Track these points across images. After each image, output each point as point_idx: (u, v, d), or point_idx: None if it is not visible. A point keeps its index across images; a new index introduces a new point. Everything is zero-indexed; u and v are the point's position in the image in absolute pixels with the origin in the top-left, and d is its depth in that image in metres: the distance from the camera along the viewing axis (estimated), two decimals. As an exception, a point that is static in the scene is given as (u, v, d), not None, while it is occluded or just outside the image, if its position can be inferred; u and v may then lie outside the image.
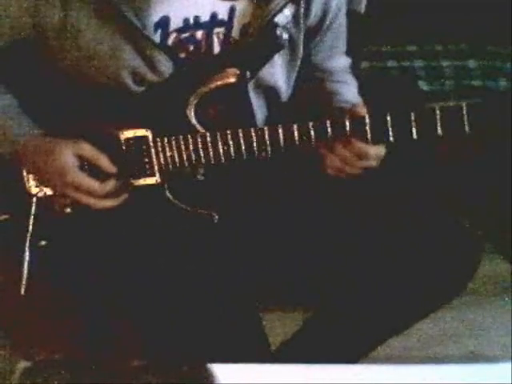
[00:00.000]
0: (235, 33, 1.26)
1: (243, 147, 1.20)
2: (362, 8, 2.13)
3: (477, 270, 1.29)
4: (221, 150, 1.21)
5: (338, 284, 1.33)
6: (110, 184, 1.22)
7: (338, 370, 1.00)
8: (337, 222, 1.31)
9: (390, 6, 2.18)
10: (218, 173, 1.28)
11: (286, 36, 1.24)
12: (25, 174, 1.28)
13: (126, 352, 1.26)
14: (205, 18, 1.24)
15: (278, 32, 1.23)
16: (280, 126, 1.19)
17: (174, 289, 1.21)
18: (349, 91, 1.42)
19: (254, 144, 1.20)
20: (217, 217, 1.26)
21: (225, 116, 1.27)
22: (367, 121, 1.15)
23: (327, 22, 1.34)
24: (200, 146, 1.22)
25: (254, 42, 1.24)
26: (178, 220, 1.25)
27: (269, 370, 0.99)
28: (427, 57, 2.36)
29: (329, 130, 1.17)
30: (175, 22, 1.23)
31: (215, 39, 1.27)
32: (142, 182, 1.25)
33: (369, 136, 1.15)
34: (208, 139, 1.21)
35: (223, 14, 1.25)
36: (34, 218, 1.27)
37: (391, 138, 1.15)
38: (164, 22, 1.22)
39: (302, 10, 1.28)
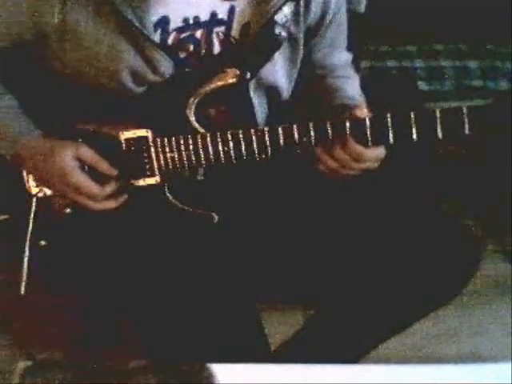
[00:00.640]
0: (235, 32, 1.26)
1: (243, 148, 1.20)
2: (362, 8, 2.13)
3: (477, 270, 1.29)
4: (221, 151, 1.21)
5: (338, 284, 1.33)
6: (110, 186, 1.22)
7: (338, 370, 1.00)
8: (337, 221, 1.31)
9: (389, 6, 2.18)
10: (218, 173, 1.28)
11: (284, 34, 1.24)
12: (25, 174, 1.28)
13: (126, 352, 1.26)
14: (204, 17, 1.24)
15: (277, 30, 1.23)
16: (280, 126, 1.19)
17: (173, 289, 1.21)
18: (351, 86, 1.41)
19: (254, 145, 1.20)
20: (216, 217, 1.26)
21: (225, 116, 1.27)
22: (367, 122, 1.15)
23: (327, 20, 1.34)
24: (200, 146, 1.21)
25: (254, 41, 1.24)
26: (177, 220, 1.25)
27: (269, 370, 0.99)
28: (427, 57, 2.36)
29: (329, 130, 1.17)
30: (175, 22, 1.23)
31: (215, 38, 1.27)
32: (142, 182, 1.24)
33: (369, 137, 1.15)
34: (208, 140, 1.21)
35: (223, 14, 1.25)
36: (34, 218, 1.27)
37: (391, 140, 1.15)
38: (164, 22, 1.22)
39: (302, 8, 1.28)
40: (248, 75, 1.23)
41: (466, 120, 1.11)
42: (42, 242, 1.26)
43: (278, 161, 1.22)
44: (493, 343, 1.80)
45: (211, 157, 1.22)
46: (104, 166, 1.22)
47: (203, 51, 1.27)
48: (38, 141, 1.23)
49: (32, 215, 1.27)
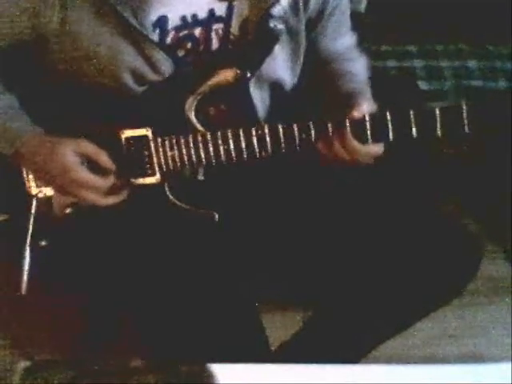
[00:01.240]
0: (234, 29, 1.26)
1: (244, 146, 1.20)
2: (363, 7, 2.13)
3: (477, 270, 1.29)
4: (221, 150, 1.21)
5: (338, 284, 1.33)
6: (112, 180, 1.22)
7: (338, 370, 1.00)
8: (337, 221, 1.31)
9: (389, 6, 2.18)
10: (219, 172, 1.28)
11: (280, 27, 1.23)
12: (25, 174, 1.28)
13: (126, 352, 1.26)
14: (202, 15, 1.24)
15: (272, 24, 1.22)
16: (280, 125, 1.19)
17: (173, 288, 1.21)
18: (357, 69, 1.40)
19: (255, 143, 1.20)
20: (217, 216, 1.26)
21: (225, 114, 1.27)
22: (367, 120, 1.15)
23: (328, 10, 1.33)
24: (200, 145, 1.22)
25: (253, 37, 1.24)
26: (178, 219, 1.25)
27: (269, 370, 0.99)
28: (427, 57, 2.36)
29: (329, 128, 1.17)
30: (173, 21, 1.23)
31: (214, 36, 1.27)
32: (143, 181, 1.24)
33: (369, 135, 1.16)
34: (208, 138, 1.21)
35: (221, 11, 1.25)
36: (34, 219, 1.27)
37: (391, 138, 1.15)
38: (162, 21, 1.22)
39: (301, 0, 1.27)
40: (248, 74, 1.23)
41: (466, 118, 1.11)
42: (43, 243, 1.26)
43: (278, 160, 1.22)
44: (493, 343, 1.80)
45: (211, 155, 1.22)
46: (105, 158, 1.22)
47: (201, 48, 1.27)
48: (38, 139, 1.23)
49: (32, 215, 1.27)
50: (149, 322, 1.25)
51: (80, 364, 0.95)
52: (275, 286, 1.44)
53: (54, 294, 1.30)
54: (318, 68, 1.39)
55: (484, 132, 1.11)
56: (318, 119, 1.18)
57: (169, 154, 1.23)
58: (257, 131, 1.20)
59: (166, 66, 1.23)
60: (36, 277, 1.25)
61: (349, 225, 1.31)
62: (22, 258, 1.24)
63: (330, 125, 1.17)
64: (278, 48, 1.27)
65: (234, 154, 1.21)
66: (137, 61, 1.21)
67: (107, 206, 1.22)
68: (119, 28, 1.18)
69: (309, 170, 1.32)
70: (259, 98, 1.31)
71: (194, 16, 1.24)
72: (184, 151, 1.22)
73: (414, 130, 1.14)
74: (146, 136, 1.23)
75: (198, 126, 1.23)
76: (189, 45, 1.27)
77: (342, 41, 1.43)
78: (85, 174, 1.20)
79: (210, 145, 1.21)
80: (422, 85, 2.31)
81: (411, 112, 1.13)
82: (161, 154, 1.23)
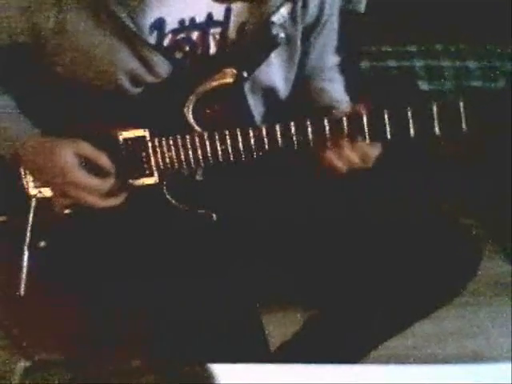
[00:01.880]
0: (231, 33, 1.26)
1: (241, 146, 1.20)
2: (362, 8, 2.13)
3: (477, 270, 1.29)
4: (219, 150, 1.21)
5: (338, 284, 1.33)
6: (111, 181, 1.22)
7: (338, 370, 1.00)
8: (337, 221, 1.31)
9: (389, 6, 2.18)
10: (217, 173, 1.28)
11: (282, 35, 1.24)
12: (23, 175, 1.28)
13: (126, 352, 1.25)
14: (200, 18, 1.24)
15: (275, 31, 1.23)
16: (278, 124, 1.19)
17: (173, 289, 1.21)
18: (336, 89, 1.42)
19: (252, 143, 1.20)
20: (215, 217, 1.26)
21: (222, 116, 1.27)
22: (364, 118, 1.15)
23: (322, 21, 1.34)
24: (198, 145, 1.22)
25: (251, 41, 1.24)
26: (176, 220, 1.25)
27: (269, 370, 0.99)
28: (427, 57, 2.36)
29: (326, 127, 1.17)
30: (171, 24, 1.23)
31: (211, 40, 1.27)
32: (141, 182, 1.25)
33: (366, 133, 1.15)
34: (206, 139, 1.21)
35: (219, 15, 1.25)
36: (33, 219, 1.27)
37: (388, 136, 1.15)
38: (159, 24, 1.22)
39: (299, 8, 1.28)
40: (245, 74, 1.23)
41: (463, 116, 1.10)
42: (41, 243, 1.26)
43: (277, 160, 1.22)
44: (493, 343, 1.81)
45: (209, 156, 1.22)
46: (104, 159, 1.22)
47: (199, 51, 1.27)
48: (37, 140, 1.23)
49: (31, 216, 1.27)
50: (149, 322, 1.25)
51: (80, 364, 0.95)
52: (275, 286, 1.44)
53: (53, 295, 1.30)
54: (300, 80, 1.40)
55: (483, 131, 1.11)
56: (314, 118, 1.18)
57: (166, 154, 1.23)
58: (254, 131, 1.20)
59: (163, 68, 1.23)
60: (35, 277, 1.25)
61: (348, 225, 1.31)
62: (21, 258, 1.24)
63: (326, 123, 1.17)
64: (274, 55, 1.28)
65: (231, 154, 1.21)
66: (133, 62, 1.21)
67: (106, 208, 1.22)
68: (116, 30, 1.18)
69: (308, 170, 1.32)
70: (253, 103, 1.31)
71: (192, 19, 1.24)
72: (182, 152, 1.22)
73: (411, 128, 1.13)
74: (143, 137, 1.23)
75: (196, 127, 1.23)
76: (186, 48, 1.27)
77: (327, 58, 1.44)
78: (83, 176, 1.20)
79: (208, 145, 1.21)
80: (422, 85, 2.31)
81: (408, 110, 1.13)
82: (158, 154, 1.23)
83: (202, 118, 1.24)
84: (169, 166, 1.23)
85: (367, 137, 1.16)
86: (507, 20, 2.06)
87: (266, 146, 1.20)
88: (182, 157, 1.23)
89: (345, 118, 1.16)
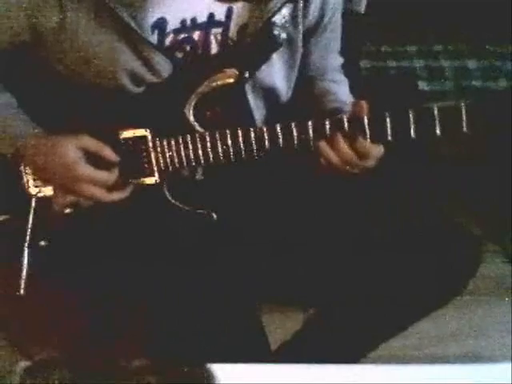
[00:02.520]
0: (233, 33, 1.27)
1: (242, 147, 1.20)
2: (362, 8, 2.13)
3: (477, 270, 1.29)
4: (220, 150, 1.21)
5: (338, 284, 1.33)
6: (115, 174, 1.22)
7: (337, 370, 1.00)
8: (336, 221, 1.31)
9: (389, 6, 2.18)
10: (217, 172, 1.28)
11: (284, 35, 1.24)
12: (24, 174, 1.28)
13: (126, 352, 1.25)
14: (202, 18, 1.25)
15: (276, 32, 1.23)
16: (279, 124, 1.19)
17: (173, 289, 1.21)
18: (341, 91, 1.42)
19: (253, 143, 1.20)
20: (215, 216, 1.26)
21: (223, 116, 1.27)
22: (366, 120, 1.15)
23: (324, 22, 1.34)
24: (199, 145, 1.22)
25: (252, 41, 1.24)
26: (177, 220, 1.25)
27: (269, 370, 0.99)
28: (427, 57, 2.36)
29: (327, 128, 1.17)
30: (172, 23, 1.23)
31: (212, 40, 1.27)
32: (141, 181, 1.24)
33: (367, 135, 1.15)
34: (207, 139, 1.21)
35: (220, 15, 1.25)
36: (34, 219, 1.27)
37: (389, 138, 1.15)
38: (161, 24, 1.22)
39: (301, 9, 1.28)
40: (246, 74, 1.23)
41: (464, 117, 1.10)
42: (42, 243, 1.26)
43: (277, 160, 1.22)
44: (493, 343, 1.80)
45: (210, 156, 1.22)
46: (108, 151, 1.21)
47: (200, 52, 1.27)
48: (39, 138, 1.23)
49: (31, 215, 1.27)
50: (149, 322, 1.25)
51: (80, 364, 0.95)
52: (275, 286, 1.44)
53: (53, 294, 1.30)
54: (304, 82, 1.40)
55: (484, 132, 1.11)
56: (316, 119, 1.18)
57: (167, 154, 1.23)
58: (255, 131, 1.20)
59: (164, 67, 1.23)
60: (35, 277, 1.25)
61: (348, 225, 1.31)
62: (21, 258, 1.24)
63: (327, 124, 1.17)
64: (275, 56, 1.28)
65: (232, 154, 1.21)
66: (134, 62, 1.21)
67: (109, 204, 1.22)
68: (117, 29, 1.18)
69: (308, 170, 1.32)
70: (254, 103, 1.31)
71: (194, 19, 1.24)
72: (182, 152, 1.22)
73: (412, 129, 1.13)
74: (144, 136, 1.23)
75: (197, 127, 1.23)
76: (187, 48, 1.27)
77: (330, 60, 1.44)
78: (88, 169, 1.20)
79: (208, 145, 1.21)
80: (422, 85, 2.31)
81: (410, 112, 1.13)
82: (159, 154, 1.23)
83: (203, 117, 1.24)
84: (169, 165, 1.23)
85: (368, 138, 1.15)
86: (507, 20, 2.06)
87: (267, 146, 1.20)
88: (183, 157, 1.23)
89: (345, 119, 1.16)
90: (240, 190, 1.33)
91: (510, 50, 2.29)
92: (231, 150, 1.21)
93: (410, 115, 1.13)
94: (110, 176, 1.21)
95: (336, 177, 1.23)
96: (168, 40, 1.24)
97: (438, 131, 1.12)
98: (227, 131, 1.20)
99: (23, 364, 0.93)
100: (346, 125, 1.16)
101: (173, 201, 1.25)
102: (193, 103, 1.22)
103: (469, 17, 2.19)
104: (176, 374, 0.93)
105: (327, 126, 1.17)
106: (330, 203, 1.34)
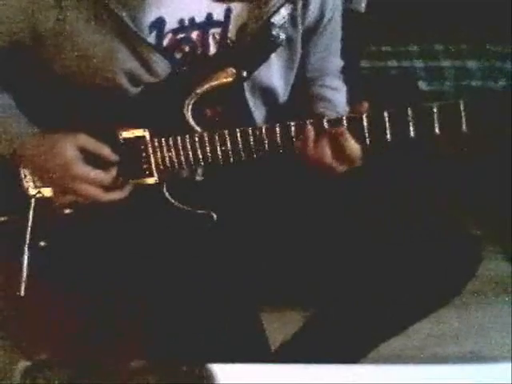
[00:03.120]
0: (231, 33, 1.26)
1: (241, 147, 1.20)
2: (362, 8, 2.13)
3: (477, 270, 1.29)
4: (219, 150, 1.21)
5: (337, 284, 1.33)
6: (113, 173, 1.22)
7: (338, 370, 1.00)
8: (336, 221, 1.31)
9: (389, 6, 2.18)
10: (217, 173, 1.28)
11: (283, 36, 1.24)
12: (23, 174, 1.28)
13: (126, 352, 1.25)
14: (200, 18, 1.25)
15: (275, 32, 1.23)
16: (277, 124, 1.19)
17: (173, 289, 1.21)
18: (337, 99, 1.42)
19: (252, 143, 1.20)
20: (215, 217, 1.26)
21: (222, 116, 1.27)
22: (364, 119, 1.15)
23: (324, 23, 1.34)
24: (198, 145, 1.22)
25: (251, 41, 1.24)
26: (176, 220, 1.25)
27: (269, 370, 0.99)
28: (427, 57, 2.36)
29: (326, 127, 1.17)
30: (170, 23, 1.23)
31: (211, 40, 1.27)
32: (141, 182, 1.24)
33: (366, 134, 1.15)
34: (206, 139, 1.21)
35: (219, 15, 1.25)
36: (33, 219, 1.27)
37: (388, 137, 1.15)
38: (159, 24, 1.22)
39: (300, 10, 1.28)
40: (244, 73, 1.23)
41: (463, 116, 1.10)
42: (42, 243, 1.26)
43: (277, 160, 1.22)
44: (493, 343, 1.80)
45: (209, 156, 1.22)
46: (106, 150, 1.21)
47: (199, 51, 1.27)
48: (37, 138, 1.23)
49: (31, 216, 1.27)
50: (149, 322, 1.25)
51: (80, 364, 0.95)
52: (275, 286, 1.44)
53: (53, 295, 1.30)
54: (302, 84, 1.40)
55: (483, 131, 1.11)
56: (314, 118, 1.18)
57: (166, 154, 1.23)
58: (254, 131, 1.20)
59: (163, 67, 1.23)
60: (35, 277, 1.25)
61: (348, 225, 1.31)
62: (21, 258, 1.24)
63: (326, 124, 1.17)
64: (274, 56, 1.28)
65: (231, 154, 1.21)
66: (132, 62, 1.21)
67: (109, 204, 1.22)
68: (115, 29, 1.18)
69: (308, 170, 1.32)
70: (253, 104, 1.31)
71: (192, 19, 1.24)
72: (181, 152, 1.22)
73: (411, 128, 1.13)
74: (143, 137, 1.23)
75: (196, 127, 1.23)
76: (186, 48, 1.27)
77: (330, 62, 1.44)
78: (85, 168, 1.20)
79: (208, 145, 1.21)
80: (422, 85, 2.31)
81: (409, 110, 1.13)
82: (158, 154, 1.23)
83: (202, 118, 1.24)
84: (169, 166, 1.23)
85: (367, 138, 1.15)
86: (507, 20, 2.06)
87: (266, 146, 1.20)
88: (182, 157, 1.23)
89: (345, 119, 1.16)
90: (240, 190, 1.33)
91: (510, 50, 2.29)
92: (230, 151, 1.21)
93: (409, 114, 1.13)
94: (107, 176, 1.21)
95: (336, 177, 1.23)
96: (166, 40, 1.24)
97: (437, 130, 1.12)
98: (226, 131, 1.20)
99: (23, 364, 0.93)
100: (344, 124, 1.16)
101: (173, 201, 1.25)
102: (191, 103, 1.22)
103: (469, 17, 2.19)
104: (176, 374, 0.93)
105: (326, 125, 1.17)
106: (330, 203, 1.34)
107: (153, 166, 1.24)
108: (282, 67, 1.33)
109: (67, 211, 1.27)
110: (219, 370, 0.93)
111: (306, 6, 1.29)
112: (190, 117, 1.22)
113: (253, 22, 1.24)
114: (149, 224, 1.25)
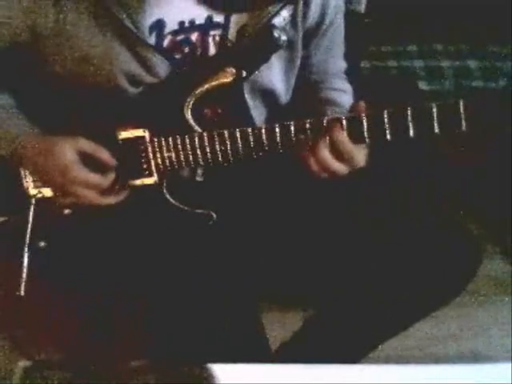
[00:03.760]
0: (231, 35, 1.26)
1: (240, 147, 1.20)
2: (362, 8, 2.13)
3: (477, 270, 1.29)
4: (218, 150, 1.21)
5: (337, 284, 1.33)
6: (111, 177, 1.22)
7: (338, 370, 1.00)
8: (336, 221, 1.31)
9: (389, 6, 2.18)
10: (217, 173, 1.28)
11: (284, 37, 1.24)
12: (23, 175, 1.28)
13: (126, 352, 1.26)
14: (200, 20, 1.24)
15: (276, 34, 1.22)
16: (277, 125, 1.19)
17: (173, 289, 1.21)
18: (344, 100, 1.41)
19: (252, 143, 1.20)
20: (215, 217, 1.26)
21: (222, 116, 1.27)
22: (364, 119, 1.15)
23: (325, 24, 1.34)
24: (197, 146, 1.22)
25: (251, 43, 1.24)
26: (176, 220, 1.25)
27: (269, 370, 0.99)
28: (427, 57, 2.36)
29: (325, 128, 1.17)
30: (170, 25, 1.23)
31: (211, 41, 1.27)
32: (141, 182, 1.24)
33: (366, 134, 1.15)
34: (205, 139, 1.21)
35: (219, 17, 1.25)
36: (33, 220, 1.27)
37: (388, 137, 1.15)
38: (159, 25, 1.22)
39: (300, 11, 1.28)
40: (244, 73, 1.23)
41: (463, 115, 1.10)
42: (41, 244, 1.26)
43: (277, 160, 1.22)
44: (493, 343, 1.81)
45: (209, 156, 1.22)
46: (105, 154, 1.22)
47: (198, 53, 1.27)
48: (36, 139, 1.23)
49: (31, 217, 1.27)
50: (149, 322, 1.25)
51: (80, 364, 0.95)
52: (275, 286, 1.44)
53: (53, 295, 1.30)
54: (307, 87, 1.39)
55: (483, 131, 1.11)
56: (314, 118, 1.18)
57: (166, 154, 1.23)
58: (253, 131, 1.19)
59: (162, 68, 1.23)
60: (35, 277, 1.25)
61: (348, 225, 1.31)
62: (21, 258, 1.24)
63: (325, 123, 1.17)
64: (274, 57, 1.27)
65: (231, 155, 1.21)
66: (132, 63, 1.21)
67: (106, 206, 1.22)
68: (115, 30, 1.18)
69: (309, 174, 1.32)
70: (253, 105, 1.31)
71: (192, 21, 1.24)
72: (181, 152, 1.22)
73: (411, 128, 1.13)
74: (142, 137, 1.23)
75: (195, 127, 1.23)
76: (186, 49, 1.27)
77: (333, 64, 1.44)
78: (84, 173, 1.20)
79: (207, 145, 1.21)
80: (422, 85, 2.31)
81: (408, 110, 1.13)
82: (158, 154, 1.23)
83: (202, 118, 1.24)
84: (168, 166, 1.23)
85: (367, 137, 1.15)
86: (507, 20, 2.06)
87: (266, 147, 1.19)
88: (182, 157, 1.23)
89: (344, 119, 1.16)
90: (240, 190, 1.33)
91: (510, 50, 2.29)
92: (230, 151, 1.21)
93: (409, 114, 1.13)
94: (104, 180, 1.21)
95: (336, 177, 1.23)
96: (166, 41, 1.24)
97: (436, 130, 1.12)
98: (225, 132, 1.20)
99: (23, 364, 0.93)
100: (344, 124, 1.16)
101: (172, 201, 1.25)
102: (191, 103, 1.22)
103: (469, 17, 2.19)
104: (176, 373, 0.93)
105: (325, 125, 1.17)
106: (330, 203, 1.34)
107: (152, 166, 1.24)
108: (283, 69, 1.32)
109: (67, 211, 1.27)
110: (219, 370, 0.93)
111: (306, 7, 1.28)
112: (190, 117, 1.22)
113: (253, 23, 1.24)
114: (149, 224, 1.25)
